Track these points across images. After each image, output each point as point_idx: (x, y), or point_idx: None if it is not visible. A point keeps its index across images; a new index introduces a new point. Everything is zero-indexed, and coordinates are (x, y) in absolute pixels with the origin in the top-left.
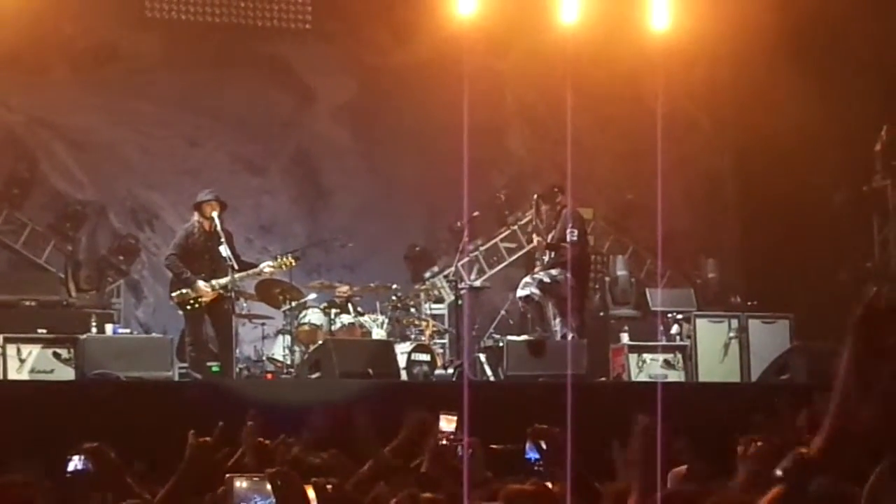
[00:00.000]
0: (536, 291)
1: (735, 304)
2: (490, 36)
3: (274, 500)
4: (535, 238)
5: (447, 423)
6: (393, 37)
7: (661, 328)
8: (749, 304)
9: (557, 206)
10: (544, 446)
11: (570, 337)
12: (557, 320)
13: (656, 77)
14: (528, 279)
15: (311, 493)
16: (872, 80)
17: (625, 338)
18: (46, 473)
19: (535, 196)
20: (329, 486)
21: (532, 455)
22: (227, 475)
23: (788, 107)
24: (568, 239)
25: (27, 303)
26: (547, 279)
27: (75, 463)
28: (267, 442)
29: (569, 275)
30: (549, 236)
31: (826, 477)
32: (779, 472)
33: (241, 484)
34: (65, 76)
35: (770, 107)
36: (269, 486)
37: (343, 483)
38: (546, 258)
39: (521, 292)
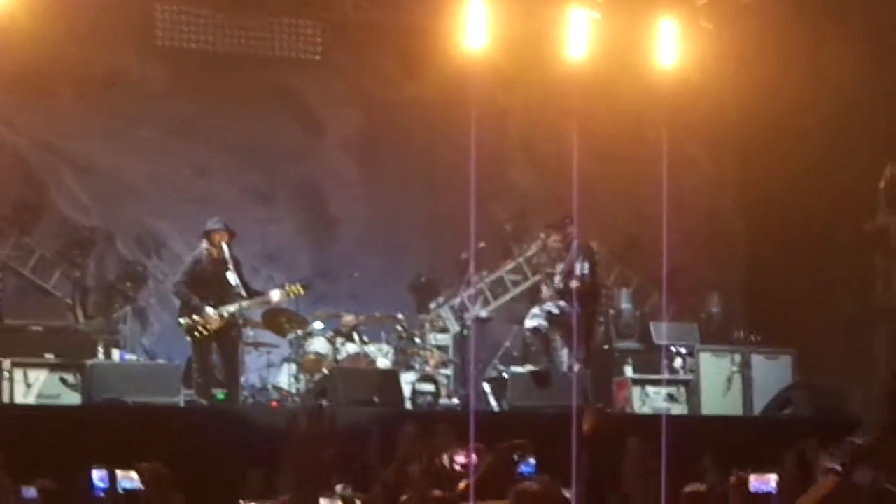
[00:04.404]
0: (544, 323)
1: (738, 339)
2: (496, 69)
3: None
4: (547, 270)
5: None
6: (401, 70)
7: (665, 362)
8: (752, 338)
9: (568, 236)
10: (532, 461)
11: (576, 368)
12: (564, 351)
13: (661, 112)
14: (536, 310)
15: None
16: (877, 117)
17: (628, 371)
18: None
19: (546, 227)
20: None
21: (525, 469)
22: (240, 501)
23: (792, 143)
24: (578, 271)
25: (35, 328)
26: (556, 310)
27: (127, 481)
28: None
29: (575, 304)
30: (558, 267)
31: (876, 468)
32: (833, 466)
33: None
34: (73, 101)
35: (774, 143)
36: None
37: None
38: (553, 290)
39: (529, 323)
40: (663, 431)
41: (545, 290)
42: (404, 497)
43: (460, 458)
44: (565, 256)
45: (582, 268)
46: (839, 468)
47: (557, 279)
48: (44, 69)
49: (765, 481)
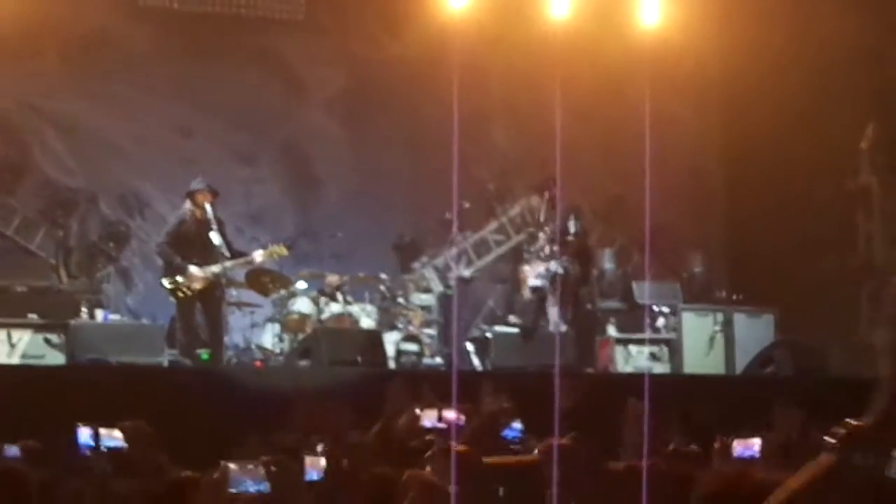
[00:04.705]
0: (548, 284)
1: (720, 298)
2: (479, 29)
3: (268, 485)
4: (540, 233)
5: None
6: (384, 29)
7: (648, 321)
8: (734, 297)
9: (552, 198)
10: (517, 425)
11: (562, 328)
12: (554, 310)
13: (643, 72)
14: (542, 271)
15: (322, 463)
16: (859, 77)
17: (611, 330)
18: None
19: (530, 188)
20: (345, 462)
21: (510, 433)
22: (222, 462)
23: (775, 103)
24: (572, 230)
25: (18, 288)
26: (561, 271)
27: (110, 439)
28: None
29: (560, 260)
30: (547, 228)
31: (872, 450)
32: (830, 441)
33: (234, 468)
34: (56, 62)
35: (757, 103)
36: (262, 472)
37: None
38: (546, 250)
39: (534, 282)
40: (646, 391)
41: (540, 243)
42: (428, 453)
43: (450, 416)
44: (553, 217)
45: (576, 226)
46: (837, 447)
47: (542, 239)
48: (27, 30)
49: (748, 446)
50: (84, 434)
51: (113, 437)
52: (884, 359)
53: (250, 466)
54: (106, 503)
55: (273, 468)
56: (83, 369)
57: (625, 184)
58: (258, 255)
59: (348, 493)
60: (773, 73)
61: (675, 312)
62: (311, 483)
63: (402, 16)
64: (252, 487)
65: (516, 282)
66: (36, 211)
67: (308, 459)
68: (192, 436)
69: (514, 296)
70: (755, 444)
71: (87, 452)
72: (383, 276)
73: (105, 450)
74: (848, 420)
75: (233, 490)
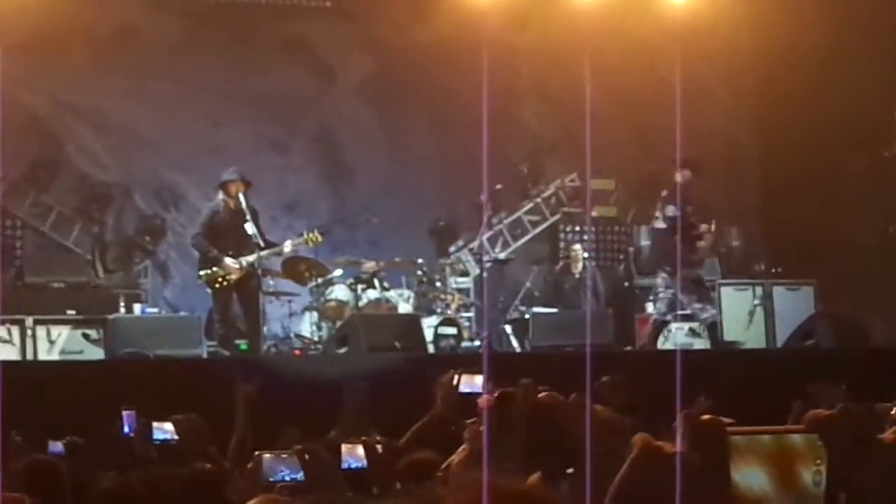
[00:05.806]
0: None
1: (759, 272)
2: (507, 11)
3: (303, 474)
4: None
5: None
6: (412, 14)
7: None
8: (773, 271)
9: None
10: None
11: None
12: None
13: (673, 46)
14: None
15: (360, 450)
16: (893, 43)
17: (650, 308)
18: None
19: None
20: (378, 447)
21: None
22: (256, 452)
23: (809, 72)
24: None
25: (55, 285)
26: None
27: (160, 432)
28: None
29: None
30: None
31: None
32: None
33: (269, 457)
34: (87, 59)
35: (791, 72)
36: (297, 461)
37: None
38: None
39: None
40: (678, 366)
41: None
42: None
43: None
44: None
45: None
46: None
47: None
48: (57, 28)
49: None
50: (128, 420)
51: (164, 430)
52: None
53: (284, 455)
54: (154, 491)
55: (307, 456)
56: (122, 364)
57: (659, 160)
58: (292, 244)
59: (385, 478)
60: (805, 42)
61: (713, 287)
62: (348, 470)
63: (429, 0)
64: (287, 476)
65: (566, 261)
66: (71, 207)
67: (345, 447)
68: (232, 426)
69: (564, 276)
70: None
71: (132, 436)
72: (420, 260)
73: (156, 442)
74: None
75: (270, 479)
